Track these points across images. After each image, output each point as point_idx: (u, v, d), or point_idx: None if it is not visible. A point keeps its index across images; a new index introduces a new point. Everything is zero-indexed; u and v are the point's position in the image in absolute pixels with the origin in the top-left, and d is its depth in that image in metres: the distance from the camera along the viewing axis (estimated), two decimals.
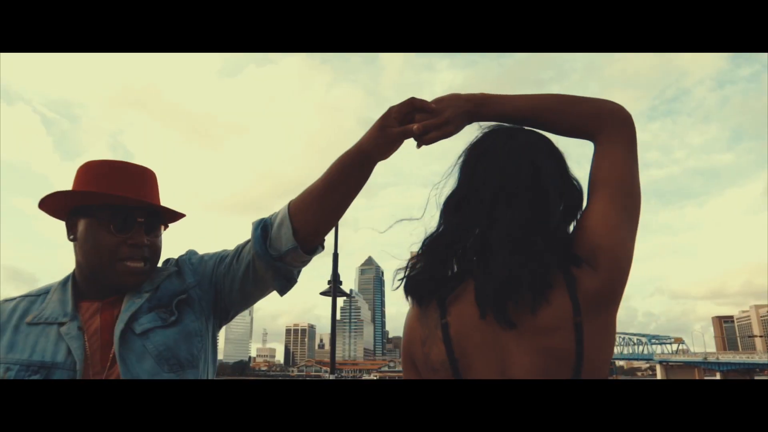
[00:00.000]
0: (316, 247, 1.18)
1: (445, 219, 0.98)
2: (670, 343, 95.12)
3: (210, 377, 1.24)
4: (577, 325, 0.84)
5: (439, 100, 0.97)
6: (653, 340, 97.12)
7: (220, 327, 1.32)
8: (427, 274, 0.96)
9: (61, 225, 1.21)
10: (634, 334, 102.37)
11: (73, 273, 1.21)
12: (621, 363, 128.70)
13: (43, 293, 1.20)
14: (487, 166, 0.96)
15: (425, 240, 0.98)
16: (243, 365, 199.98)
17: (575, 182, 0.98)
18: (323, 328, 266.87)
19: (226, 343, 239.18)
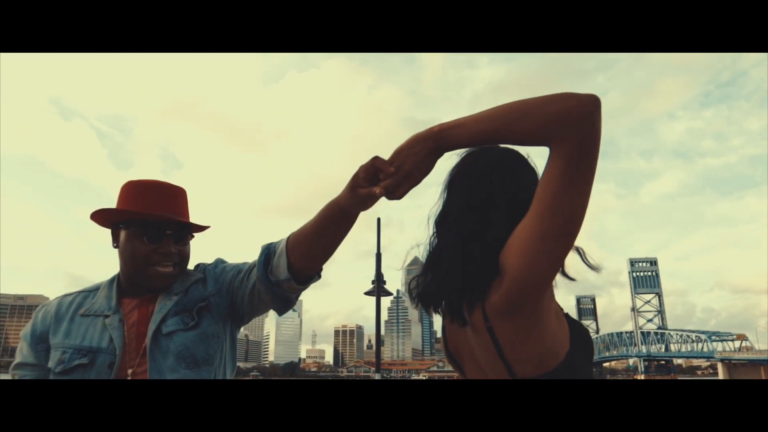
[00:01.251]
0: (312, 277, 1.32)
1: (437, 233, 1.10)
2: (732, 340, 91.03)
3: (227, 372, 1.41)
4: (489, 328, 0.96)
5: (397, 153, 0.98)
6: (713, 337, 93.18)
7: (238, 329, 1.48)
8: (434, 285, 1.06)
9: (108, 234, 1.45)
10: (693, 331, 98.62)
11: (118, 274, 1.42)
12: (679, 361, 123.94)
13: (95, 290, 1.41)
14: (456, 186, 1.09)
15: (429, 254, 1.10)
16: (293, 366, 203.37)
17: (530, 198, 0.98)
18: (371, 329, 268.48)
19: (277, 345, 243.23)
